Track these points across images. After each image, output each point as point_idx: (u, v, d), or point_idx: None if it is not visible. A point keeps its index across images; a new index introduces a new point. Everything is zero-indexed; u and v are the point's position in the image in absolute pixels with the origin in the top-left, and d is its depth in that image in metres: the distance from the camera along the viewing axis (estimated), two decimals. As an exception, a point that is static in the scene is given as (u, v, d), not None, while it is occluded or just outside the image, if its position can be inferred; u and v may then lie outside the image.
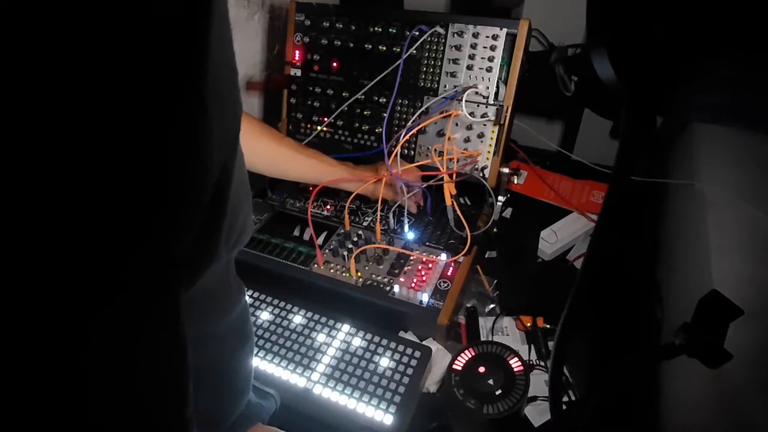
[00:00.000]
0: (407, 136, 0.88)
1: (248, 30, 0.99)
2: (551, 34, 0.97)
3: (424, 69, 0.89)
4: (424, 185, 0.85)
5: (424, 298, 0.75)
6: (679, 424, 0.57)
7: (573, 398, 0.68)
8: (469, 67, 0.86)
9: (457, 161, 0.84)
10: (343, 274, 0.80)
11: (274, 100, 1.03)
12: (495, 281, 0.84)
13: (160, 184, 0.25)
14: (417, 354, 0.69)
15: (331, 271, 0.81)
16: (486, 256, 0.89)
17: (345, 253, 0.83)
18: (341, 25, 0.92)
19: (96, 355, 0.25)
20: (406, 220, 0.86)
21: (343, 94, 0.95)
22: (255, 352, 0.70)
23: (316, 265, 0.82)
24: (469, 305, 0.80)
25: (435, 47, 0.88)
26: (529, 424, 0.66)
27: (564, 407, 0.66)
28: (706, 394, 0.54)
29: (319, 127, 0.98)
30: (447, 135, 0.86)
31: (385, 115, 0.90)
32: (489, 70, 0.85)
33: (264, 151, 0.82)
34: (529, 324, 0.76)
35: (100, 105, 0.22)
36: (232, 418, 0.51)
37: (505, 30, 0.83)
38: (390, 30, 0.90)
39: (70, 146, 0.22)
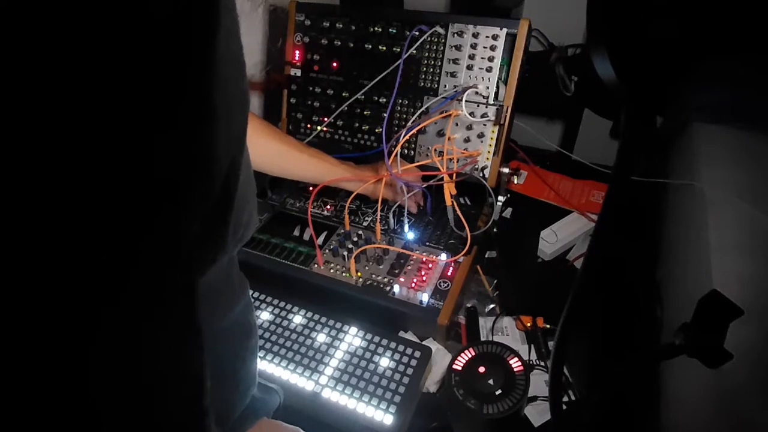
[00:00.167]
0: (407, 136, 0.88)
1: (249, 29, 0.99)
2: (551, 34, 0.97)
3: (424, 69, 0.89)
4: (424, 185, 0.85)
5: (424, 298, 0.75)
6: (679, 424, 0.57)
7: (573, 398, 0.68)
8: (469, 67, 0.86)
9: (457, 161, 0.85)
10: (343, 274, 0.80)
11: (274, 100, 1.03)
12: (495, 281, 0.84)
13: (170, 173, 0.25)
14: (417, 354, 0.69)
15: (331, 271, 0.81)
16: (486, 256, 0.89)
17: (345, 253, 0.83)
18: (341, 25, 0.92)
19: (117, 341, 0.26)
20: (406, 220, 0.86)
21: (343, 94, 0.95)
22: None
23: (316, 265, 0.82)
24: (469, 305, 0.80)
25: (435, 47, 0.88)
26: (529, 424, 0.66)
27: (564, 407, 0.66)
28: (706, 394, 0.54)
29: (319, 127, 0.98)
30: (447, 135, 0.86)
31: (385, 115, 0.90)
32: (489, 70, 0.85)
33: (267, 149, 0.82)
34: (529, 324, 0.76)
35: (111, 99, 0.22)
36: (238, 412, 0.51)
37: (505, 30, 0.83)
38: (390, 30, 0.90)
39: (83, 139, 0.22)
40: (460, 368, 0.64)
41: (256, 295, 0.79)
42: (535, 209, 1.02)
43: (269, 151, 0.82)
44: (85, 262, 0.24)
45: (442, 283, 0.77)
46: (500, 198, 0.89)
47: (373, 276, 0.80)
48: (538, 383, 0.70)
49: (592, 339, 0.74)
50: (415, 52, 0.88)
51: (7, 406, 0.24)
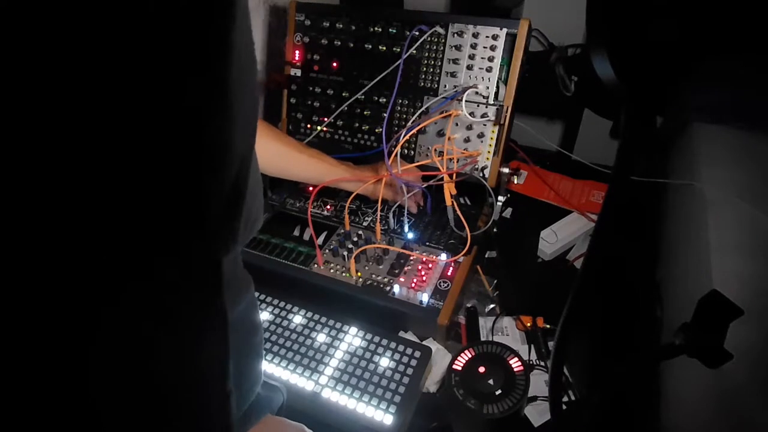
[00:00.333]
0: (407, 136, 0.88)
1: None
2: (551, 34, 0.97)
3: (424, 69, 0.89)
4: (424, 185, 0.85)
5: (424, 298, 0.75)
6: (679, 424, 0.57)
7: (573, 398, 0.68)
8: (469, 67, 0.86)
9: (457, 161, 0.85)
10: (343, 274, 0.80)
11: (274, 100, 1.02)
12: (495, 281, 0.84)
13: (192, 160, 0.27)
14: (417, 354, 0.69)
15: (331, 271, 0.81)
16: (486, 256, 0.89)
17: (345, 253, 0.83)
18: (341, 25, 0.92)
19: (145, 319, 0.27)
20: (406, 220, 0.86)
21: (343, 94, 0.95)
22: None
23: (316, 265, 0.82)
24: (469, 305, 0.80)
25: (435, 47, 0.88)
26: (529, 424, 0.66)
27: (564, 407, 0.66)
28: (706, 394, 0.54)
29: (319, 127, 0.98)
30: (447, 135, 0.86)
31: (385, 115, 0.90)
32: (489, 70, 0.85)
33: (266, 149, 0.82)
34: (529, 324, 0.76)
35: (132, 91, 0.23)
36: (244, 408, 0.51)
37: (505, 30, 0.83)
38: (390, 30, 0.90)
39: (106, 129, 0.23)
40: (460, 368, 0.64)
41: (256, 295, 0.79)
42: (535, 209, 1.02)
43: (269, 151, 0.82)
44: (114, 238, 0.25)
45: (442, 283, 0.77)
46: (500, 198, 0.89)
47: (373, 276, 0.80)
48: (538, 383, 0.70)
49: (592, 339, 0.74)
50: (415, 52, 0.88)
51: (10, 400, 0.25)
